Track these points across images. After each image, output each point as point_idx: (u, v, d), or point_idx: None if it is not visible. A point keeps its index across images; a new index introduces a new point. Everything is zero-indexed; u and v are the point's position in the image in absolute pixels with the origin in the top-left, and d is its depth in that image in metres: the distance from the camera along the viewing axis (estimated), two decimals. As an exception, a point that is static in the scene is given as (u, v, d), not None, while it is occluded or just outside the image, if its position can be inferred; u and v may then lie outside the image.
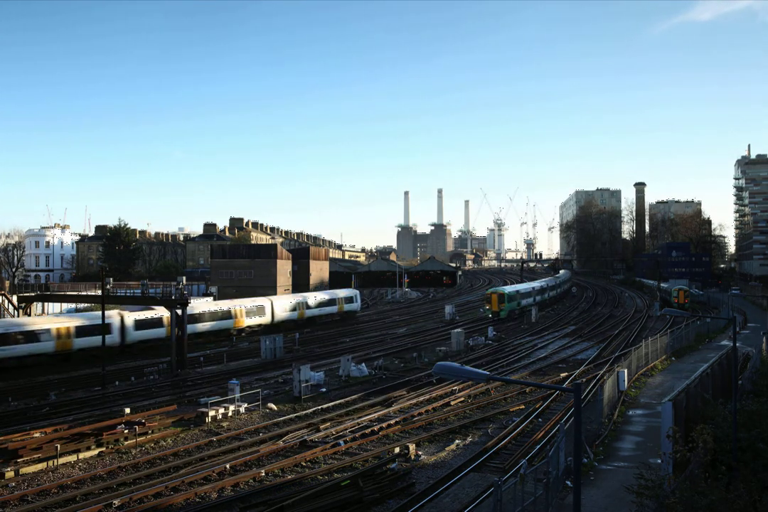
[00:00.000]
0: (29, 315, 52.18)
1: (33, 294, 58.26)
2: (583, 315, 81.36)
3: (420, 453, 25.08)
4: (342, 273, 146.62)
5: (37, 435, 27.43)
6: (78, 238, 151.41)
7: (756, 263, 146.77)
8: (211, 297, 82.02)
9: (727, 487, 15.33)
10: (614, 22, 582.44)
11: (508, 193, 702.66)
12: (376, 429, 28.39)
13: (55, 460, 24.36)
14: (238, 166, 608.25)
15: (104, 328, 42.83)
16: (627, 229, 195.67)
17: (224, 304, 61.13)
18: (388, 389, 36.99)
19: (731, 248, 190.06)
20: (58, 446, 24.70)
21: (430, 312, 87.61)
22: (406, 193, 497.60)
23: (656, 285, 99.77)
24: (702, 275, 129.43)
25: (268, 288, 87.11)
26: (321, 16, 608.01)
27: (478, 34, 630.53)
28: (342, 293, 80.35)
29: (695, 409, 23.84)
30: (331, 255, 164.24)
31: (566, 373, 41.05)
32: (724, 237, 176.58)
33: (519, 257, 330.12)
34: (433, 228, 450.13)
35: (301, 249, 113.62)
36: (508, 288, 78.20)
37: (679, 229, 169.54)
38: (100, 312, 43.85)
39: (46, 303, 66.72)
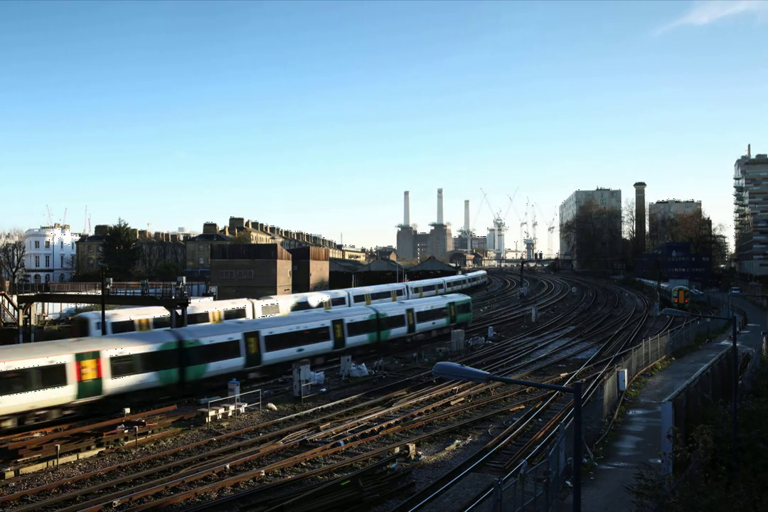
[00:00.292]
0: (28, 315, 52.20)
1: (33, 294, 58.20)
2: (583, 315, 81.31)
3: (420, 453, 25.08)
4: (342, 273, 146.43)
5: (37, 435, 27.46)
6: (78, 238, 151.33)
7: (756, 263, 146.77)
8: (211, 298, 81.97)
9: (727, 487, 15.33)
10: (614, 23, 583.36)
11: (508, 193, 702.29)
12: (376, 429, 28.39)
13: (55, 460, 24.36)
14: (239, 166, 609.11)
15: (240, 313, 54.94)
16: (627, 229, 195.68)
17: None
18: (388, 389, 36.99)
19: (731, 248, 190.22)
20: (58, 446, 24.71)
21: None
22: (406, 193, 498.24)
23: (656, 286, 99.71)
24: (702, 275, 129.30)
25: (268, 288, 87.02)
26: (322, 16, 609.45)
27: (479, 35, 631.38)
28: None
29: (695, 409, 23.84)
30: (331, 255, 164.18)
31: (566, 373, 41.05)
32: (724, 237, 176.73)
33: (519, 257, 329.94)
34: (433, 228, 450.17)
35: (301, 249, 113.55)
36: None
37: (679, 229, 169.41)
38: (240, 300, 58.28)
39: (45, 304, 66.70)
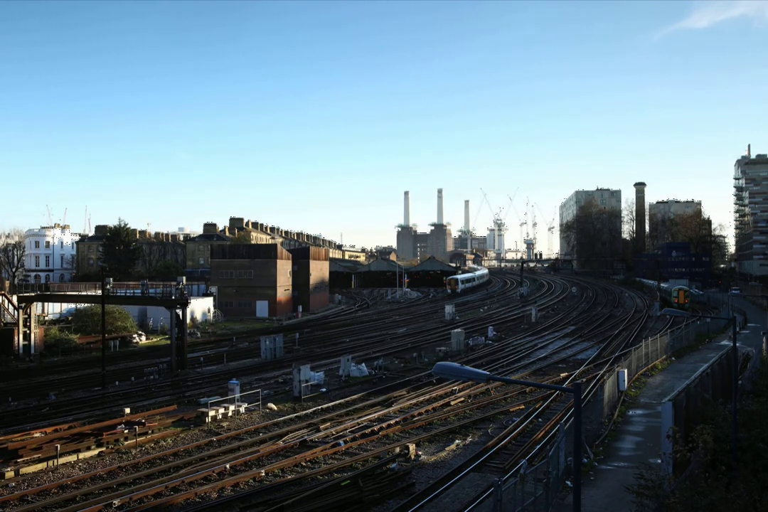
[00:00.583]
0: (28, 315, 52.18)
1: (33, 294, 58.12)
2: (583, 315, 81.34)
3: (420, 453, 25.08)
4: (342, 273, 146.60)
5: (37, 435, 27.44)
6: (78, 238, 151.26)
7: (756, 263, 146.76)
8: (211, 298, 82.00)
9: (727, 487, 15.31)
10: (614, 24, 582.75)
11: (508, 193, 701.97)
12: (376, 429, 28.40)
13: (55, 460, 24.37)
14: (239, 166, 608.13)
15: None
16: (627, 229, 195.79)
17: None
18: (388, 389, 37.00)
19: (731, 248, 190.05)
20: (58, 446, 24.71)
21: (430, 312, 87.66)
22: (406, 193, 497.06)
23: (656, 285, 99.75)
24: (702, 275, 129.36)
25: (268, 288, 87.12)
26: (322, 16, 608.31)
27: (479, 34, 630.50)
28: None
29: (695, 409, 23.83)
30: (331, 255, 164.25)
31: (566, 373, 41.06)
32: (724, 237, 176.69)
33: (519, 257, 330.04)
34: (433, 228, 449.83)
35: (301, 249, 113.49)
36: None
37: (679, 229, 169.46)
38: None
39: (45, 304, 66.71)
